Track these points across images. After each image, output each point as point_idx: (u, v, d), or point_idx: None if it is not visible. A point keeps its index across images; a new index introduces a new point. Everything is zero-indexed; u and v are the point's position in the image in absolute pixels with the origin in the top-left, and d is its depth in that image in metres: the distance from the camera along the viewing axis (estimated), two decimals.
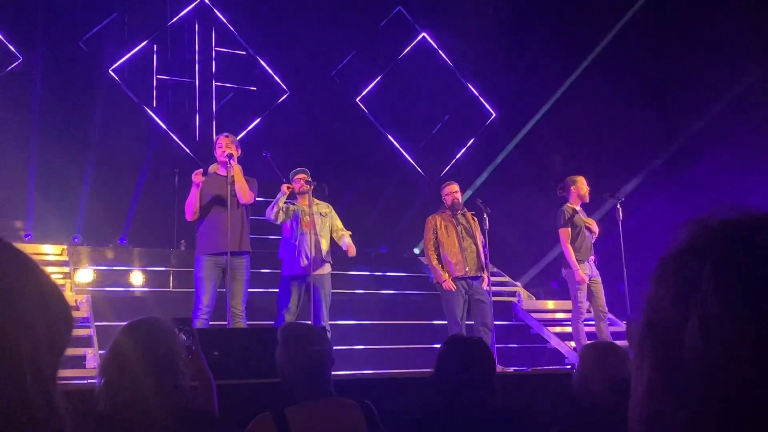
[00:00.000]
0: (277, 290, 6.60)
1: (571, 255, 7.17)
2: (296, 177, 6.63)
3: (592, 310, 7.17)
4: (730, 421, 0.59)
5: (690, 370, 0.61)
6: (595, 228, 7.23)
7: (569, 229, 7.17)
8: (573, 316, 7.26)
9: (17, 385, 0.72)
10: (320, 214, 6.64)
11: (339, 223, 6.76)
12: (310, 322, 5.89)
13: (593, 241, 7.25)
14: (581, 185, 7.31)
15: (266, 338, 4.93)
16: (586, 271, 7.08)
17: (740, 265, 0.61)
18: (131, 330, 2.31)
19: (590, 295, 7.15)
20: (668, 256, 0.67)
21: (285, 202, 6.57)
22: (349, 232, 6.76)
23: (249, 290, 6.11)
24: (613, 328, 7.56)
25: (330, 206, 6.83)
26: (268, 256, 7.14)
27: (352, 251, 6.65)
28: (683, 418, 0.62)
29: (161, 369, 2.23)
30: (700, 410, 0.61)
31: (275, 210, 6.46)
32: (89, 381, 5.53)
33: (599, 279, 7.18)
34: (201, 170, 6.08)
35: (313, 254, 6.36)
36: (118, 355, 2.23)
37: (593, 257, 7.19)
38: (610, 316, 7.43)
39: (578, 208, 7.30)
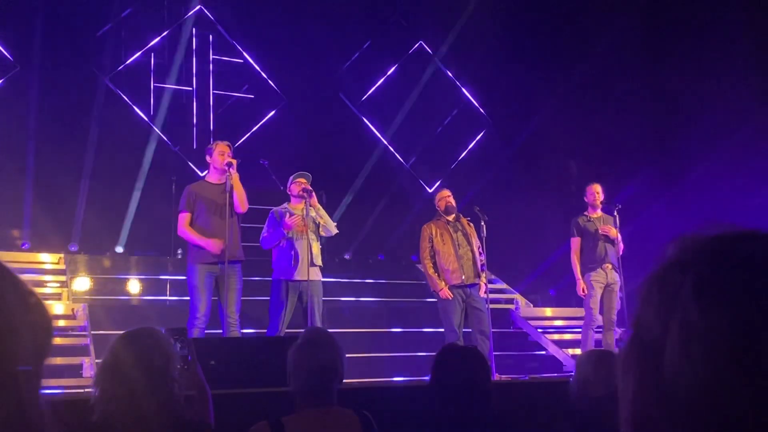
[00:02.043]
0: (267, 298, 6.57)
1: (575, 266, 7.25)
2: (296, 180, 6.61)
3: (603, 318, 7.20)
4: (711, 429, 0.61)
5: (671, 380, 0.63)
6: (612, 234, 7.23)
7: (579, 239, 7.27)
8: (584, 323, 7.31)
9: (12, 392, 0.73)
10: (314, 220, 6.62)
11: (328, 220, 6.68)
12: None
13: (618, 249, 7.24)
14: (588, 193, 7.37)
15: (263, 347, 4.94)
16: (598, 278, 7.12)
17: (719, 278, 0.64)
18: (127, 340, 2.31)
19: (602, 304, 7.17)
20: (654, 272, 0.69)
21: (279, 212, 6.55)
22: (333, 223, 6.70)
23: (241, 299, 6.09)
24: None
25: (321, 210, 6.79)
26: (260, 263, 7.12)
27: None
28: (667, 426, 0.64)
29: (157, 379, 2.22)
30: (683, 418, 0.63)
31: (275, 243, 6.44)
32: (86, 390, 5.52)
33: (616, 288, 7.18)
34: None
35: (307, 259, 6.34)
36: (114, 364, 2.23)
37: (610, 264, 7.19)
38: None
39: (595, 215, 7.34)
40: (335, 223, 6.67)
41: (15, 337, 0.75)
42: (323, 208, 6.84)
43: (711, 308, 0.62)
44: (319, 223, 6.56)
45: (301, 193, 6.51)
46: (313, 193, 6.47)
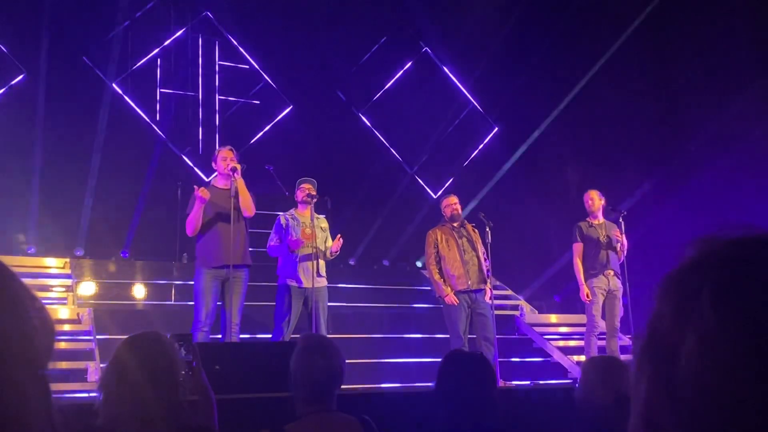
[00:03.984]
0: (271, 303, 6.58)
1: (577, 271, 7.22)
2: (302, 186, 6.65)
3: (605, 325, 7.17)
4: None
5: (686, 387, 0.62)
6: (618, 238, 7.22)
7: (581, 244, 7.24)
8: (586, 329, 7.28)
9: (41, 394, 0.74)
10: (320, 228, 6.64)
11: (330, 242, 6.74)
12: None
13: (622, 255, 7.22)
14: (588, 200, 7.35)
15: (267, 352, 4.93)
16: (600, 284, 7.10)
17: (739, 286, 0.62)
18: (132, 344, 2.30)
19: (604, 311, 7.15)
20: (671, 274, 0.68)
21: (286, 218, 6.58)
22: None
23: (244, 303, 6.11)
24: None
25: (327, 222, 6.83)
26: (264, 268, 7.14)
27: (337, 246, 6.57)
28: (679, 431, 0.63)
29: (161, 383, 2.21)
30: (696, 425, 0.62)
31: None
32: (91, 394, 5.53)
33: (618, 294, 7.15)
34: (204, 188, 6.07)
35: (313, 266, 6.36)
36: (119, 369, 2.23)
37: (612, 271, 7.16)
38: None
39: (597, 221, 7.32)
40: (334, 254, 6.67)
41: (29, 341, 0.75)
42: (329, 213, 6.89)
43: (729, 318, 0.61)
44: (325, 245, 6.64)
45: (306, 198, 6.54)
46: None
